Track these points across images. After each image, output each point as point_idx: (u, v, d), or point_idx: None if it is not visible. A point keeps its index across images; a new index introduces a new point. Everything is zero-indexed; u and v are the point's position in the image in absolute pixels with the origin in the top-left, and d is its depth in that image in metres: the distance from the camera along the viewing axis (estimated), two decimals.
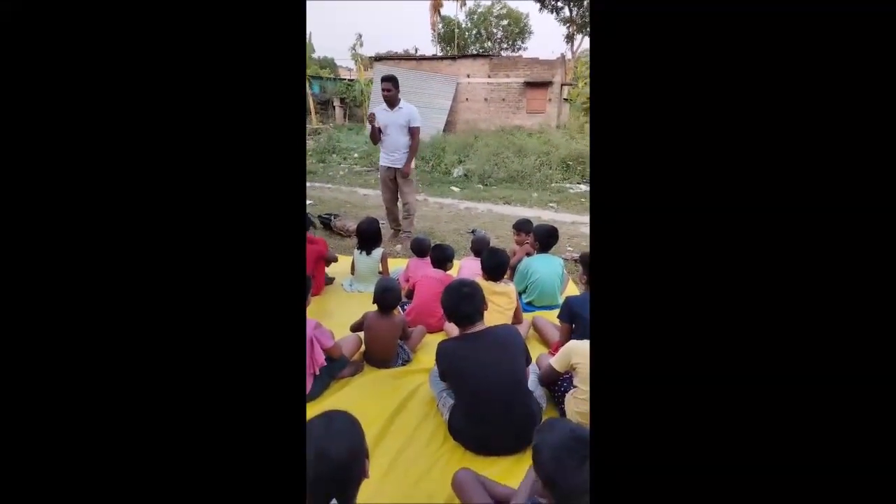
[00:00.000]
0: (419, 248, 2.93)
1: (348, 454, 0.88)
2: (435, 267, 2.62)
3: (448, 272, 2.64)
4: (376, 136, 3.84)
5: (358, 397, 1.86)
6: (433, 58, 13.63)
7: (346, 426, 0.93)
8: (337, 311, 2.65)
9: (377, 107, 3.88)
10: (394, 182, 3.98)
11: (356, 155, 9.22)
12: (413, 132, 3.80)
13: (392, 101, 3.74)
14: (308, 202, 5.36)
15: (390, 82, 3.71)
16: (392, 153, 3.86)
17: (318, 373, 1.84)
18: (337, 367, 1.97)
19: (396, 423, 1.74)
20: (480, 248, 2.93)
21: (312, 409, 1.59)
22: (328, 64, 20.89)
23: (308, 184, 6.85)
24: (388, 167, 3.92)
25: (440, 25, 20.56)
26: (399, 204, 4.10)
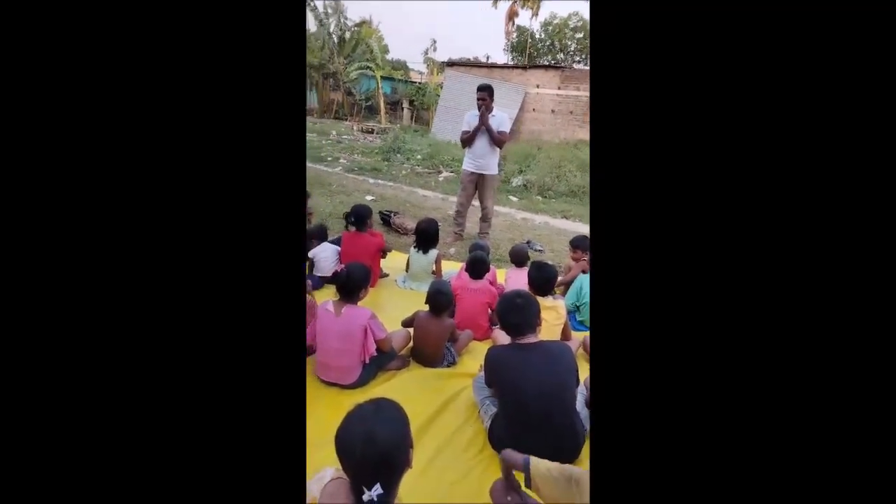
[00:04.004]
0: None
1: (395, 440, 0.90)
2: (472, 277, 2.60)
3: (487, 279, 2.62)
4: (472, 139, 3.90)
5: (402, 391, 1.89)
6: (504, 66, 13.64)
7: (393, 413, 0.96)
8: (389, 306, 2.71)
9: (468, 112, 3.98)
10: (474, 186, 4.06)
11: (419, 156, 9.40)
12: (501, 135, 3.91)
13: (487, 109, 3.82)
14: (370, 198, 5.54)
15: (486, 91, 3.82)
16: (479, 159, 3.95)
17: (367, 362, 1.90)
18: (385, 359, 2.02)
19: (437, 422, 1.76)
20: (520, 258, 2.89)
21: (359, 397, 1.63)
22: (401, 66, 21.49)
23: (371, 180, 7.08)
24: (473, 172, 4.00)
25: (514, 34, 20.56)
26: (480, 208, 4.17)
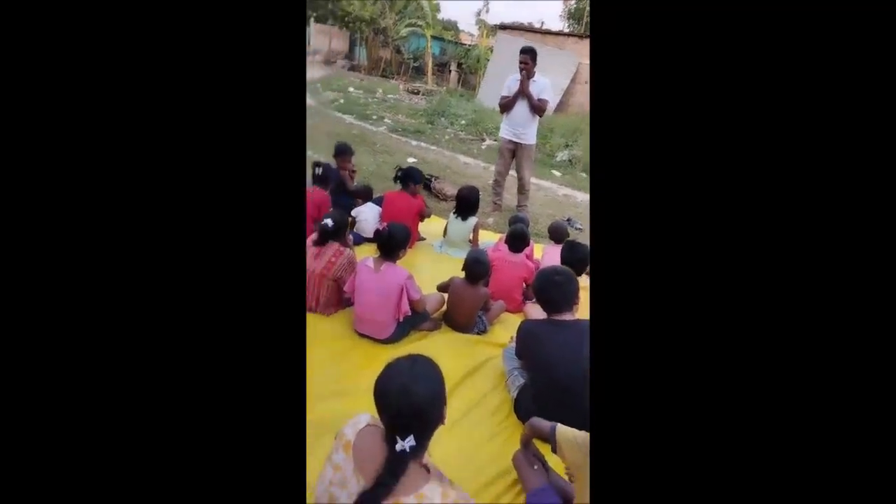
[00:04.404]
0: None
1: (430, 395, 0.93)
2: (511, 250, 2.58)
3: (525, 254, 2.59)
4: (511, 105, 3.78)
5: (434, 351, 1.90)
6: (559, 33, 12.99)
7: (428, 369, 0.98)
8: (424, 269, 2.74)
9: (510, 76, 3.84)
10: (511, 154, 3.95)
11: (463, 122, 9.23)
12: (541, 101, 3.78)
13: (528, 74, 3.69)
14: (412, 160, 5.52)
15: (528, 55, 3.66)
16: (517, 127, 3.82)
17: (401, 320, 1.95)
18: (419, 320, 2.07)
19: (465, 385, 1.80)
20: (559, 236, 2.84)
21: (390, 353, 1.69)
22: (452, 27, 20.83)
23: (414, 142, 7.03)
24: (510, 140, 3.89)
25: (573, 0, 19.47)
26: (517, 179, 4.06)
